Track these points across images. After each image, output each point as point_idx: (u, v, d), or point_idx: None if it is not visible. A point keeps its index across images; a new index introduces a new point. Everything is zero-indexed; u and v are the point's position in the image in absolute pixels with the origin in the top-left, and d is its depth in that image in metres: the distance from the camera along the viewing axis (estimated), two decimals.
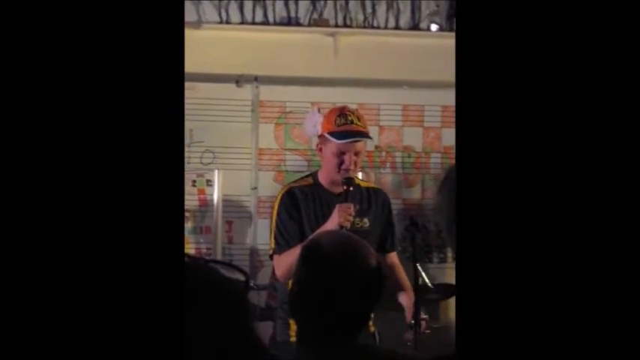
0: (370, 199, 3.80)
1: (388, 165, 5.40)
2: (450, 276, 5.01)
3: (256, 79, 5.25)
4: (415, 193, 5.41)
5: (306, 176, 3.89)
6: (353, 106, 3.91)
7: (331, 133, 3.65)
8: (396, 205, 5.19)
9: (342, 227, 3.50)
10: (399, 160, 5.41)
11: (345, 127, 3.65)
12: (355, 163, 3.65)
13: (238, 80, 5.23)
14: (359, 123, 3.69)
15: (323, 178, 3.74)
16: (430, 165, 5.40)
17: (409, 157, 5.41)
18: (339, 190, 3.68)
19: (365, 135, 3.68)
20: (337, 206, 3.57)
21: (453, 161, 1.40)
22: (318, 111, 3.77)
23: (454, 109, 4.57)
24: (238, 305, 1.51)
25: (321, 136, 3.72)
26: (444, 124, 5.41)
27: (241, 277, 4.14)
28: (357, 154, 3.66)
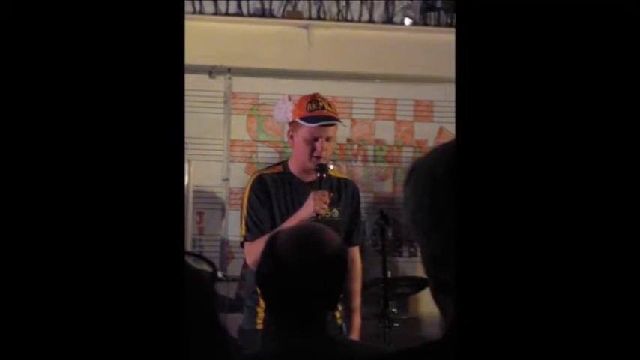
0: (340, 190, 3.77)
1: (360, 158, 5.41)
2: (419, 269, 5.03)
3: (229, 71, 5.24)
4: (386, 187, 5.43)
5: (277, 164, 3.86)
6: None
7: (303, 118, 3.63)
8: (367, 198, 5.22)
9: (317, 215, 3.48)
10: (370, 153, 5.42)
11: (317, 112, 3.63)
12: (326, 150, 3.63)
13: (211, 71, 5.22)
14: (330, 109, 3.67)
15: (293, 167, 3.71)
16: (402, 159, 5.41)
17: (381, 150, 5.43)
18: (309, 178, 3.66)
19: (336, 119, 3.66)
20: (312, 193, 3.53)
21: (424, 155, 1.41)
22: (289, 99, 3.75)
23: (427, 103, 4.60)
24: (204, 296, 1.51)
25: (292, 123, 3.69)
26: (416, 118, 5.43)
27: (208, 269, 4.13)
28: (328, 140, 3.63)
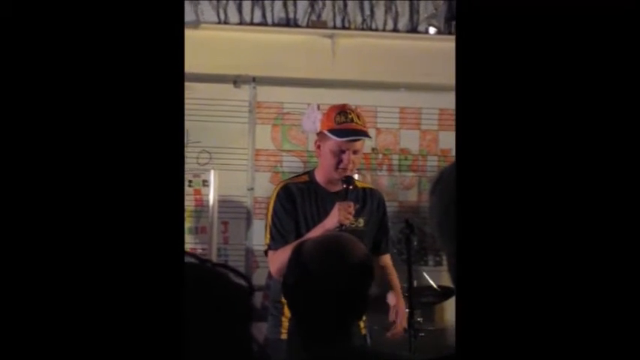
0: (365, 199, 3.77)
1: (385, 167, 5.40)
2: (445, 279, 5.01)
3: (254, 80, 5.25)
4: (411, 196, 5.41)
5: (303, 174, 3.88)
6: None
7: (331, 131, 3.63)
8: (392, 207, 5.20)
9: (341, 225, 3.49)
10: (395, 162, 5.41)
11: (345, 125, 3.63)
12: (353, 162, 3.63)
13: (236, 81, 5.23)
14: (359, 122, 3.67)
15: (319, 176, 3.72)
16: (427, 168, 5.40)
17: (406, 159, 5.42)
18: (335, 188, 3.67)
19: (364, 134, 3.66)
20: (337, 204, 3.54)
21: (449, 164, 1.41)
22: (318, 108, 3.74)
23: (452, 112, 4.60)
24: (243, 312, 1.52)
25: (319, 134, 3.69)
26: (441, 127, 5.42)
27: (245, 284, 4.14)
28: (355, 152, 3.64)
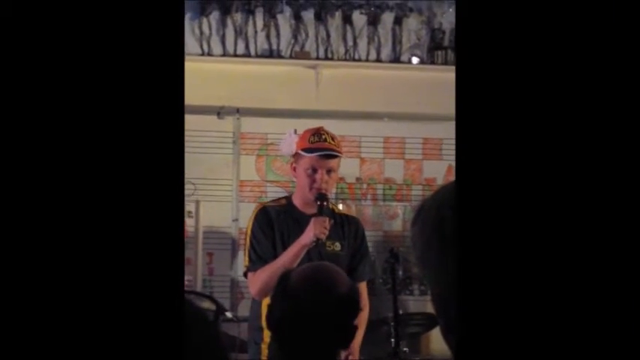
0: (343, 225, 3.86)
1: (369, 197, 5.41)
2: (431, 307, 5.01)
3: (238, 111, 5.26)
4: (396, 226, 5.42)
5: (281, 198, 3.99)
6: None
7: (304, 149, 3.73)
8: (377, 237, 5.21)
9: (318, 240, 3.58)
10: (380, 192, 5.42)
11: (318, 144, 3.74)
12: (327, 182, 3.72)
13: (220, 112, 5.24)
14: (332, 142, 3.78)
15: (296, 200, 3.82)
16: (411, 197, 5.41)
17: (390, 189, 5.43)
18: (311, 211, 3.74)
19: (337, 152, 3.76)
20: (313, 219, 3.63)
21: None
22: (295, 132, 3.85)
23: (436, 141, 4.60)
24: (208, 334, 1.52)
25: (295, 155, 3.81)
26: (425, 156, 5.44)
27: (211, 307, 4.16)
28: (329, 172, 3.73)
